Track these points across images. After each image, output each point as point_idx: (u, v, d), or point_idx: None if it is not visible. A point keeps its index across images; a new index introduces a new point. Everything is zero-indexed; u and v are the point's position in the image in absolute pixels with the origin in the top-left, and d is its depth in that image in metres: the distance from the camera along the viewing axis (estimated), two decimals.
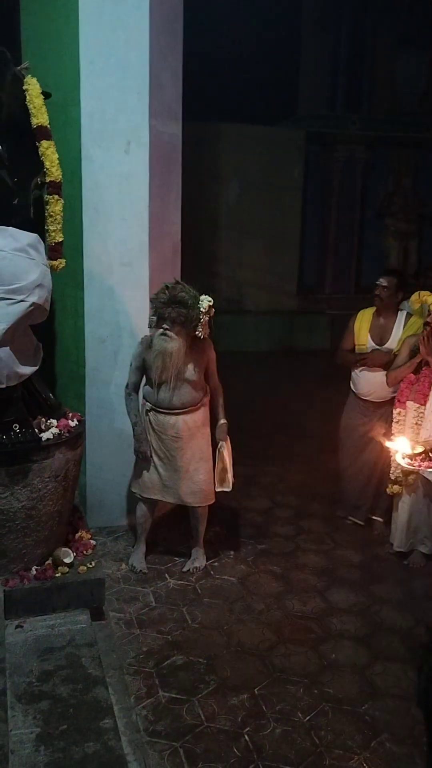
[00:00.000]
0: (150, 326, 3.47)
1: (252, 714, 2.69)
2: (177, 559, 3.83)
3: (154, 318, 3.41)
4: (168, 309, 3.32)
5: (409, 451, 2.62)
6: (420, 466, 2.70)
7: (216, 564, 3.81)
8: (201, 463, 3.61)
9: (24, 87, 3.14)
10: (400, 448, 2.64)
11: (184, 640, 3.13)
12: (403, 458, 2.62)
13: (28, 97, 3.13)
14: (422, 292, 3.60)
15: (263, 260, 9.91)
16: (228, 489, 3.72)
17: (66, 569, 3.17)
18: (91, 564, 3.24)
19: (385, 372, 3.95)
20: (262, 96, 10.16)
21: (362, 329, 4.12)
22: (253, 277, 9.94)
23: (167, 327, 3.36)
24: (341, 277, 10.29)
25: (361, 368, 4.09)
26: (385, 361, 3.97)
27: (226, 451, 3.66)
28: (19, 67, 3.19)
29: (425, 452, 2.75)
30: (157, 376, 3.44)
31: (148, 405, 3.55)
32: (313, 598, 3.53)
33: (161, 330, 3.38)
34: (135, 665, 2.94)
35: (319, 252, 10.41)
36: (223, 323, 9.62)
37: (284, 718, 2.68)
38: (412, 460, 2.65)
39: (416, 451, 2.65)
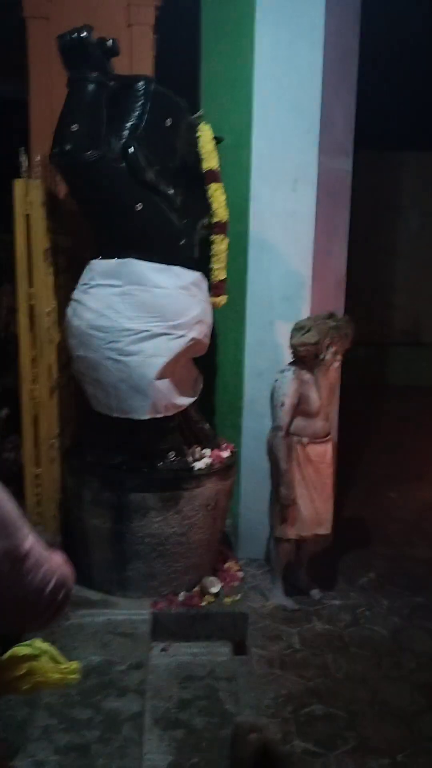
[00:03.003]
0: (322, 358, 3.46)
1: None
2: (326, 602, 3.72)
3: (330, 353, 3.44)
4: (349, 345, 3.51)
5: None
6: None
7: (367, 613, 3.64)
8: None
9: (197, 134, 3.32)
10: None
11: (326, 690, 3.01)
12: None
13: (200, 143, 3.30)
14: None
15: None
16: None
17: (212, 599, 3.22)
18: (236, 596, 3.26)
19: None
20: None
21: None
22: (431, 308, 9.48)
23: (339, 360, 3.51)
24: None
25: None
26: None
27: None
28: (193, 116, 3.38)
29: None
30: (320, 408, 3.49)
31: (305, 439, 3.51)
32: None
33: (338, 363, 3.51)
34: (273, 708, 2.89)
35: None
36: (398, 356, 9.30)
37: None
38: None
39: None
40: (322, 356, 3.44)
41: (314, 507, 3.54)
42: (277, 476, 3.50)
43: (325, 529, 3.62)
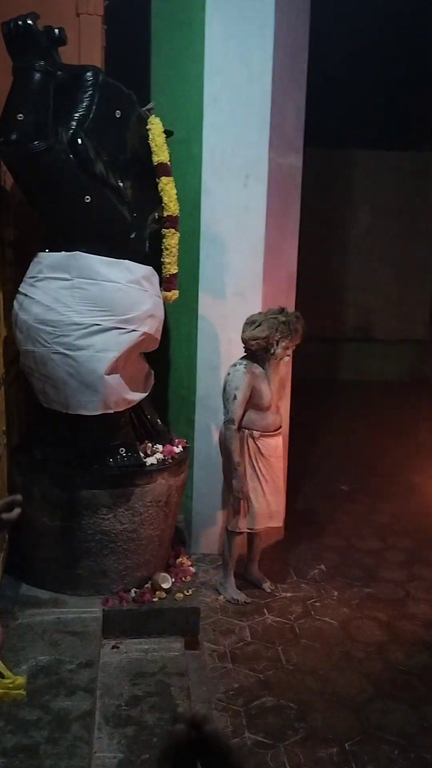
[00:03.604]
0: (272, 352, 3.46)
1: None
2: (277, 595, 3.75)
3: (280, 347, 3.45)
4: (300, 341, 3.53)
5: None
6: None
7: (317, 604, 3.69)
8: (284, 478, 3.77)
9: (147, 126, 3.28)
10: None
11: (277, 682, 3.04)
12: None
13: (150, 136, 3.27)
14: None
15: (394, 287, 9.61)
16: None
17: (163, 594, 3.21)
18: (188, 591, 3.26)
19: None
20: (400, 121, 9.91)
21: None
22: (383, 304, 9.67)
23: (289, 355, 3.54)
24: None
25: None
26: None
27: None
28: (144, 108, 3.34)
29: None
30: (271, 401, 3.50)
31: (256, 432, 3.53)
32: (419, 652, 3.30)
33: (288, 358, 3.54)
34: (224, 701, 2.90)
35: None
36: (350, 351, 9.46)
37: None
38: None
39: None
40: (272, 350, 3.46)
41: (266, 500, 3.57)
42: (230, 469, 3.52)
43: (276, 522, 3.66)
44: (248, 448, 3.53)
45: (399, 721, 2.82)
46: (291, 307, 3.89)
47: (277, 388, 3.55)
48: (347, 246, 9.54)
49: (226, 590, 3.68)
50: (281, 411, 3.73)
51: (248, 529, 3.61)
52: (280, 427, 3.66)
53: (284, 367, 3.57)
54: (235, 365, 3.51)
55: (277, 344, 3.43)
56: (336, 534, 4.58)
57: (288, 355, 3.51)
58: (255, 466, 3.53)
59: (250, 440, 3.53)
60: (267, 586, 3.78)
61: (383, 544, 4.47)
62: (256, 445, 3.53)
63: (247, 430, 3.51)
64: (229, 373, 3.50)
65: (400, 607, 3.70)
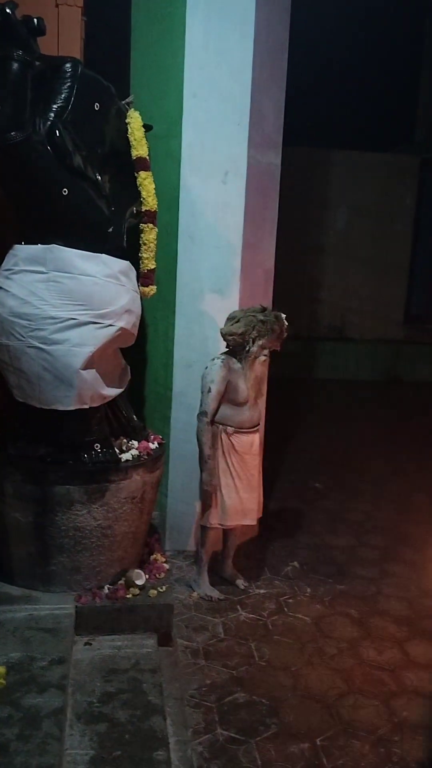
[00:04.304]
0: (247, 350, 3.47)
1: (311, 766, 2.56)
2: (251, 591, 3.77)
3: (257, 345, 3.44)
4: (281, 342, 3.51)
5: None
6: None
7: (290, 601, 3.71)
8: (260, 476, 3.71)
9: (126, 120, 3.26)
10: None
11: (249, 678, 3.05)
12: None
13: (129, 130, 3.24)
14: None
15: (369, 287, 9.71)
16: None
17: (137, 591, 3.20)
18: (162, 588, 3.25)
19: None
20: (377, 122, 10.02)
21: None
22: (357, 304, 9.77)
23: (266, 354, 3.53)
24: None
25: None
26: None
27: None
28: (123, 102, 3.31)
29: None
30: (247, 398, 3.51)
31: (230, 428, 3.53)
32: (390, 648, 3.34)
33: (265, 357, 3.52)
34: (196, 698, 2.90)
35: (430, 281, 10.05)
36: (324, 350, 9.53)
37: None
38: None
39: None
40: (247, 348, 3.47)
41: (239, 497, 3.57)
42: (201, 462, 3.52)
43: (250, 520, 3.66)
44: (222, 444, 3.53)
45: (370, 716, 2.85)
46: (268, 305, 3.89)
47: (252, 385, 3.55)
48: (323, 245, 9.61)
49: (200, 587, 3.69)
50: (259, 409, 3.73)
51: (219, 524, 3.61)
52: (257, 424, 3.66)
53: (260, 367, 3.56)
54: (213, 359, 3.52)
55: (253, 342, 3.44)
56: (309, 531, 4.61)
57: (264, 355, 3.51)
58: (228, 462, 3.53)
59: (224, 435, 3.53)
60: (241, 582, 3.79)
61: (356, 541, 4.52)
62: (230, 441, 3.53)
63: (221, 426, 3.51)
64: (207, 367, 3.51)
65: (371, 603, 3.73)
